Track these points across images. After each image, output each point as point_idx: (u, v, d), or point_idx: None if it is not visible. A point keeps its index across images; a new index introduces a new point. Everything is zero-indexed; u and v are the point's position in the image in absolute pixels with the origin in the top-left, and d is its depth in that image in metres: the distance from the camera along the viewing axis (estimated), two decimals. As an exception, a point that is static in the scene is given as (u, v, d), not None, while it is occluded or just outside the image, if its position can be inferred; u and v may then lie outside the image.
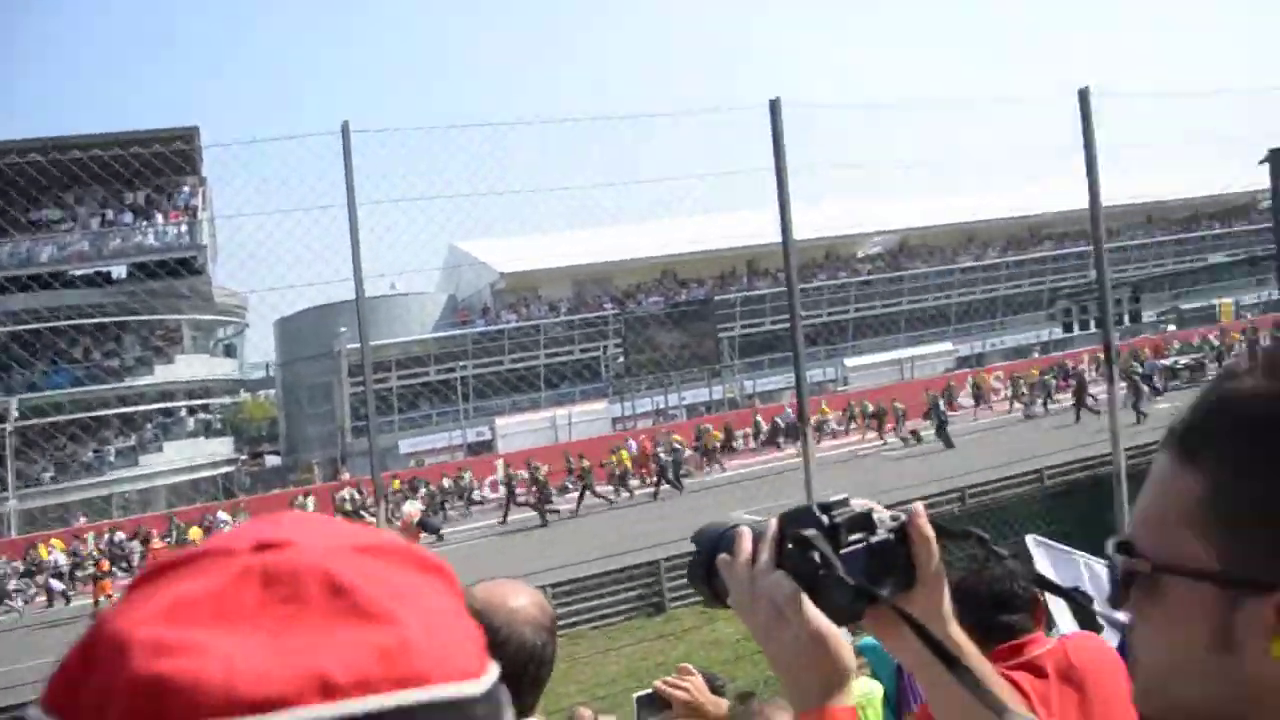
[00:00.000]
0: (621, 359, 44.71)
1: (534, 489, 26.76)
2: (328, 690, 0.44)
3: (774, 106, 8.47)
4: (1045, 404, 32.20)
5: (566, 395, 43.25)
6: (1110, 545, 0.79)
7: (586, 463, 27.70)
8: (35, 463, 36.44)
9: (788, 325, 10.67)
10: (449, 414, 41.47)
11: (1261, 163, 13.22)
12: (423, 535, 21.43)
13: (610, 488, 28.63)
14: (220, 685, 0.42)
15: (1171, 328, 46.94)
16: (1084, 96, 10.04)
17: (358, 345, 9.30)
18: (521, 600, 1.89)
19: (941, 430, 27.28)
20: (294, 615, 0.45)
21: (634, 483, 29.37)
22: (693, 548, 1.12)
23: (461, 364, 43.61)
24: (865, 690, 5.37)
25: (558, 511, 26.45)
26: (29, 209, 40.44)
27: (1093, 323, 39.64)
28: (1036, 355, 43.02)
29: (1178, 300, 51.33)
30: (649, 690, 2.89)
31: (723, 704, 2.89)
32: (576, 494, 27.56)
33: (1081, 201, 10.24)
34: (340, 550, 0.49)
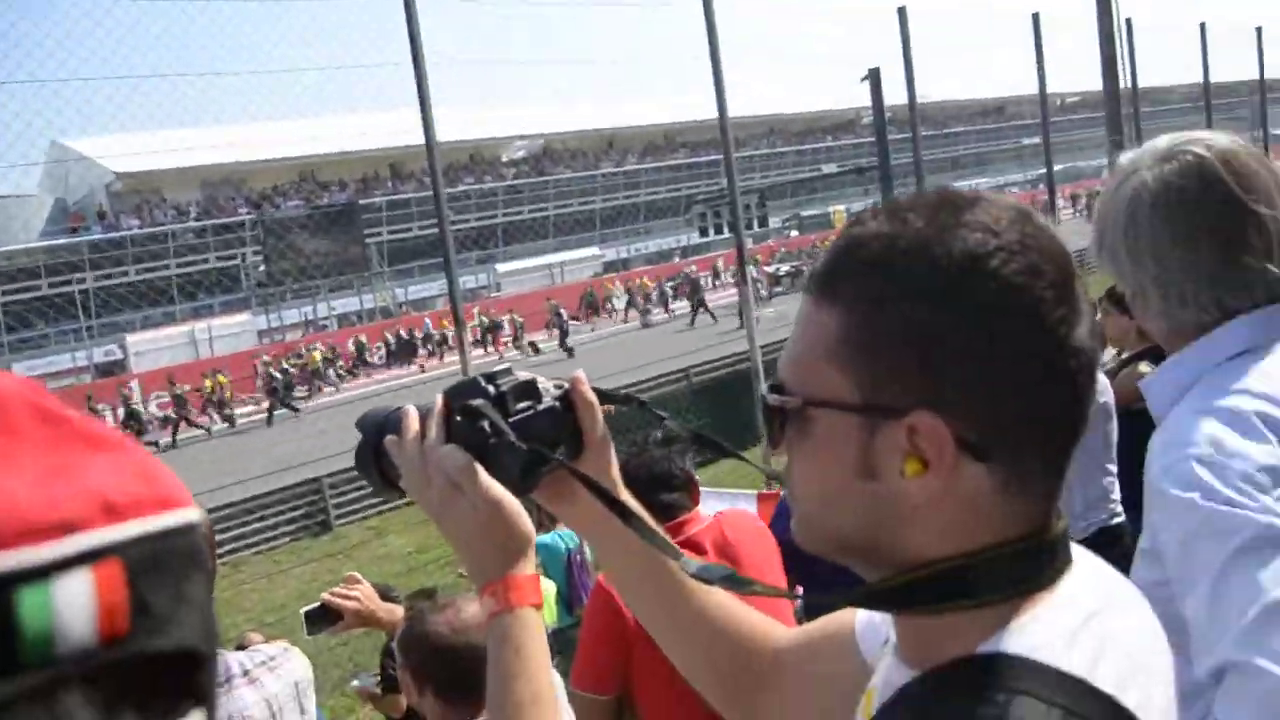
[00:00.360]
0: (263, 267, 43.62)
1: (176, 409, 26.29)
2: (111, 511, 0.43)
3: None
4: (666, 309, 35.19)
5: (204, 307, 41.88)
6: (764, 387, 0.87)
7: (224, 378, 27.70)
8: None
9: (435, 230, 11.14)
10: (70, 332, 38.68)
11: (862, 80, 14.35)
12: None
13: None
14: (8, 514, 0.40)
15: (795, 233, 52.73)
16: (708, 6, 10.60)
17: None
18: None
19: (563, 340, 29.35)
20: (22, 444, 0.42)
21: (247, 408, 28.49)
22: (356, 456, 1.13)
23: (79, 275, 40.82)
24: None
25: (208, 430, 26.01)
26: None
27: (726, 227, 44.20)
28: (678, 259, 46.87)
29: (799, 208, 57.48)
30: (317, 604, 2.83)
31: (395, 609, 2.91)
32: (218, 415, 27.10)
33: (710, 111, 10.86)
34: (24, 383, 0.46)
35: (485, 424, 1.00)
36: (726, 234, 14.98)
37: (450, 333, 34.59)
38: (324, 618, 2.80)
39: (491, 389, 1.03)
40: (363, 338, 36.25)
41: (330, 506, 13.51)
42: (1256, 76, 24.94)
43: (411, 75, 8.33)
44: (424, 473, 1.04)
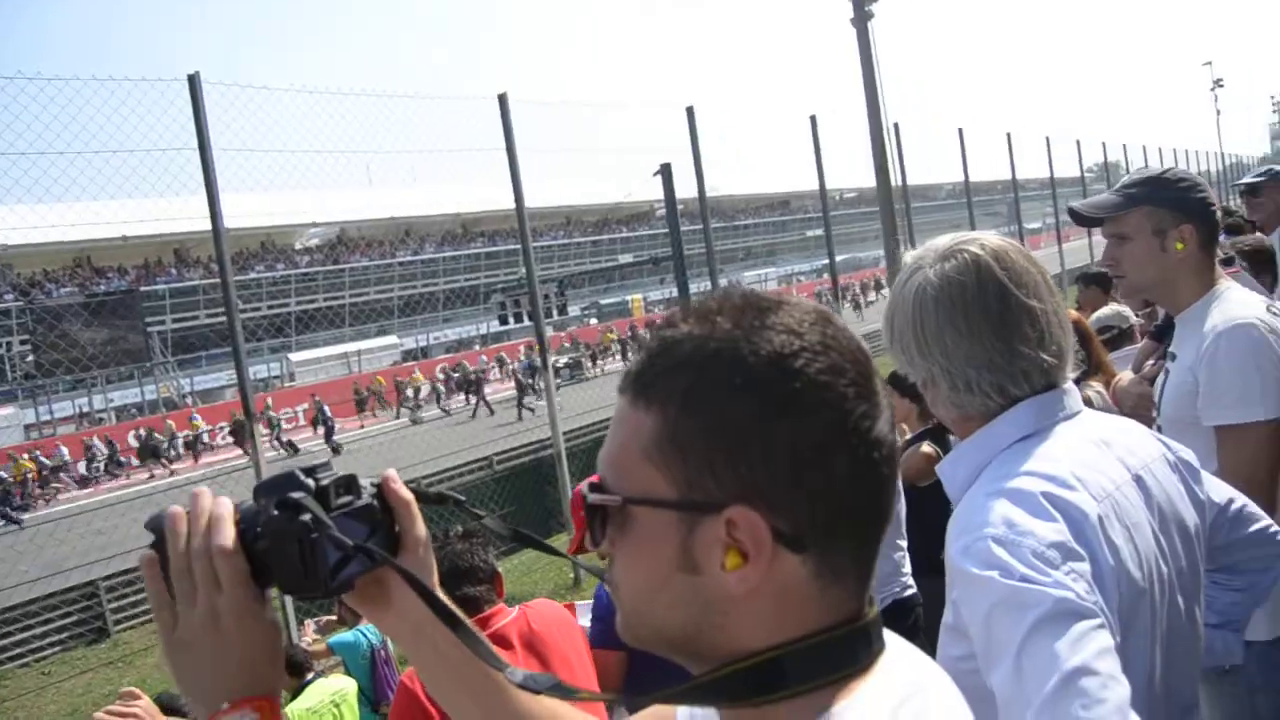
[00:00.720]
0: (31, 357, 40.80)
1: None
2: None
3: (193, 81, 8.24)
4: (439, 403, 34.14)
5: (-37, 403, 38.74)
6: (584, 486, 0.88)
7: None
8: None
9: (223, 319, 10.91)
10: None
11: (655, 174, 14.62)
12: None
13: None
14: None
15: (594, 321, 53.67)
16: (503, 102, 10.79)
17: None
18: None
19: (329, 437, 28.33)
20: None
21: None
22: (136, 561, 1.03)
23: None
24: (339, 687, 5.50)
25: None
26: None
27: (526, 316, 44.35)
28: (478, 347, 46.85)
29: (597, 296, 58.62)
30: None
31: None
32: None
33: (508, 201, 11.26)
34: None
35: (307, 516, 0.94)
36: (527, 322, 15.08)
37: (197, 434, 33.16)
38: None
39: (311, 482, 0.97)
40: (102, 438, 34.44)
41: (107, 611, 12.79)
42: (1009, 176, 27.39)
43: (198, 161, 8.25)
44: (191, 578, 0.95)
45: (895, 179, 18.04)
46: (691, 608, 0.85)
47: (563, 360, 35.44)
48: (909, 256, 1.69)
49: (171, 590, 0.96)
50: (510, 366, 38.01)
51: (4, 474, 27.73)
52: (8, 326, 41.90)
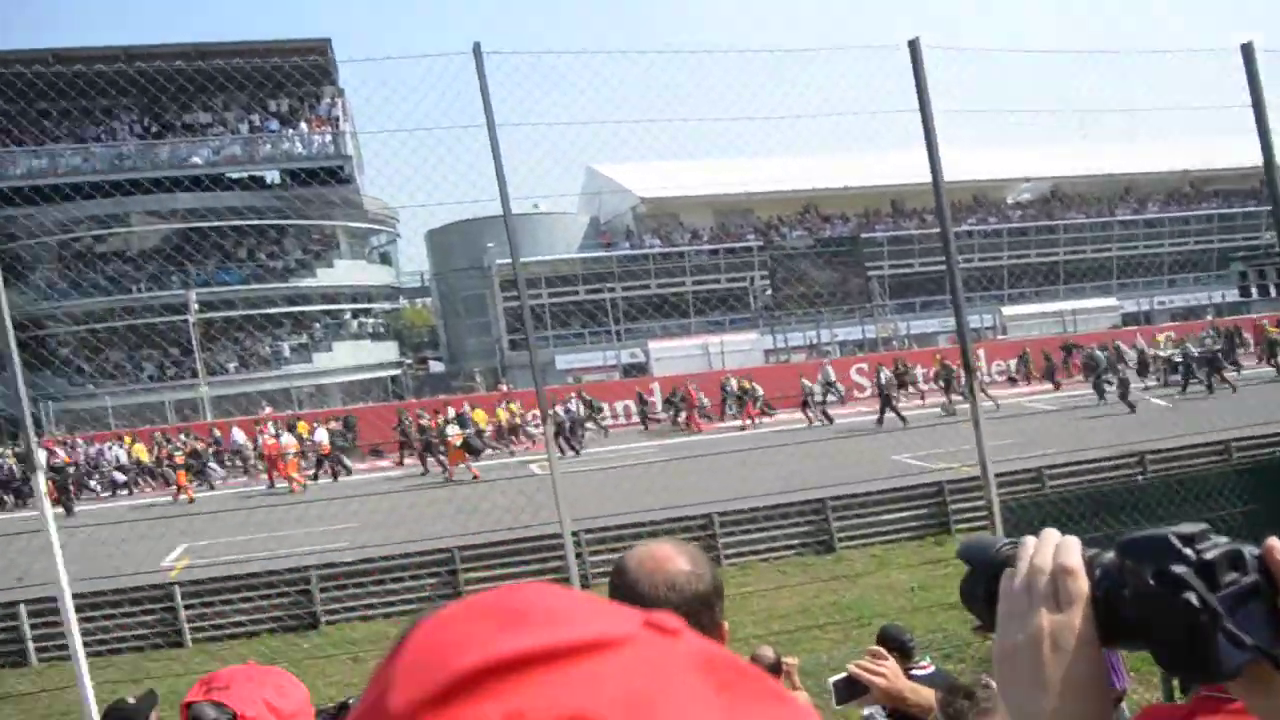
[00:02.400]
0: (769, 292, 46.05)
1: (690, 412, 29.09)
2: None
3: (913, 47, 8.48)
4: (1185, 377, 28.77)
5: (717, 323, 44.90)
6: None
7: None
8: (220, 354, 39.36)
9: (938, 267, 10.94)
10: (601, 334, 43.33)
11: None
12: (468, 457, 24.31)
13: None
14: None
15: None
16: (1248, 52, 9.99)
17: (507, 260, 10.06)
18: (679, 565, 1.79)
19: (1125, 390, 25.73)
20: (737, 701, 0.45)
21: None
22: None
23: (609, 285, 45.58)
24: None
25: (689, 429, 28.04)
26: (181, 113, 43.08)
27: (1273, 289, 39.64)
28: (1210, 317, 43.22)
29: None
30: (844, 674, 2.83)
31: (922, 691, 2.84)
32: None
33: (1248, 158, 10.23)
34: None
35: (1193, 598, 0.84)
36: (1273, 295, 13.08)
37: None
38: (851, 689, 2.80)
39: (1191, 553, 0.86)
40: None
41: (834, 528, 13.86)
42: None
43: (917, 120, 8.57)
44: (1029, 594, 0.94)
45: None
46: None
47: (1195, 351, 29.52)
48: None
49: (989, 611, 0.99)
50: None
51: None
52: (749, 262, 47.60)
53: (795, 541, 13.95)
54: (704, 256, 48.79)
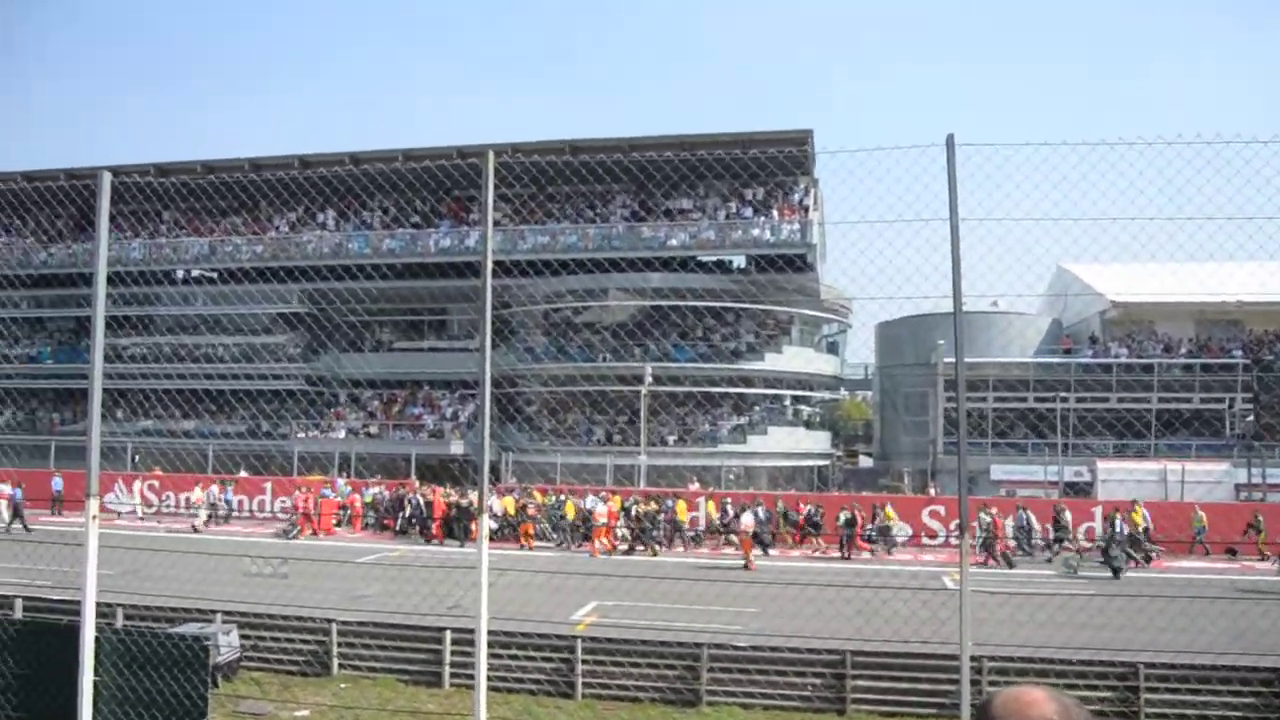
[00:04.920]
0: (1251, 418, 41.95)
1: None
2: None
3: None
4: None
5: (1181, 448, 41.53)
6: None
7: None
8: (661, 427, 43.16)
9: None
10: (1045, 446, 41.78)
11: None
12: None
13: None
14: None
15: None
16: None
17: (954, 360, 9.77)
18: (1044, 712, 1.76)
19: None
20: None
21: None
22: None
23: (1062, 395, 43.87)
24: None
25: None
26: (665, 199, 47.70)
27: None
28: None
29: None
30: None
31: None
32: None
33: None
34: None
35: None
36: None
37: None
38: None
39: None
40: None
41: None
42: None
43: None
44: None
45: None
46: None
47: None
48: None
49: None
50: None
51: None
52: (1231, 382, 43.60)
53: (1237, 714, 12.00)
54: (1177, 371, 45.39)
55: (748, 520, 27.93)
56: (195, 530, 33.68)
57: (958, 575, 9.33)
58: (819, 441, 48.81)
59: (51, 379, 54.03)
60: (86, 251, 52.15)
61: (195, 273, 53.22)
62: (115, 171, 9.41)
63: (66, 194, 49.79)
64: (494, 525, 30.35)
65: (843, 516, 29.67)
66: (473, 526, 29.31)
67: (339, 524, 34.70)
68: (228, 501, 37.74)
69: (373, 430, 48.25)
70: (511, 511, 32.05)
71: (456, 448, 45.50)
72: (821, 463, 47.27)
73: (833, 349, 53.16)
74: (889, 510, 31.26)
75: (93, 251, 8.62)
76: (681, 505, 31.31)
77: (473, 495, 32.02)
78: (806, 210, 47.28)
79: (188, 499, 37.46)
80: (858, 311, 48.01)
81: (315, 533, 33.13)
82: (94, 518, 8.31)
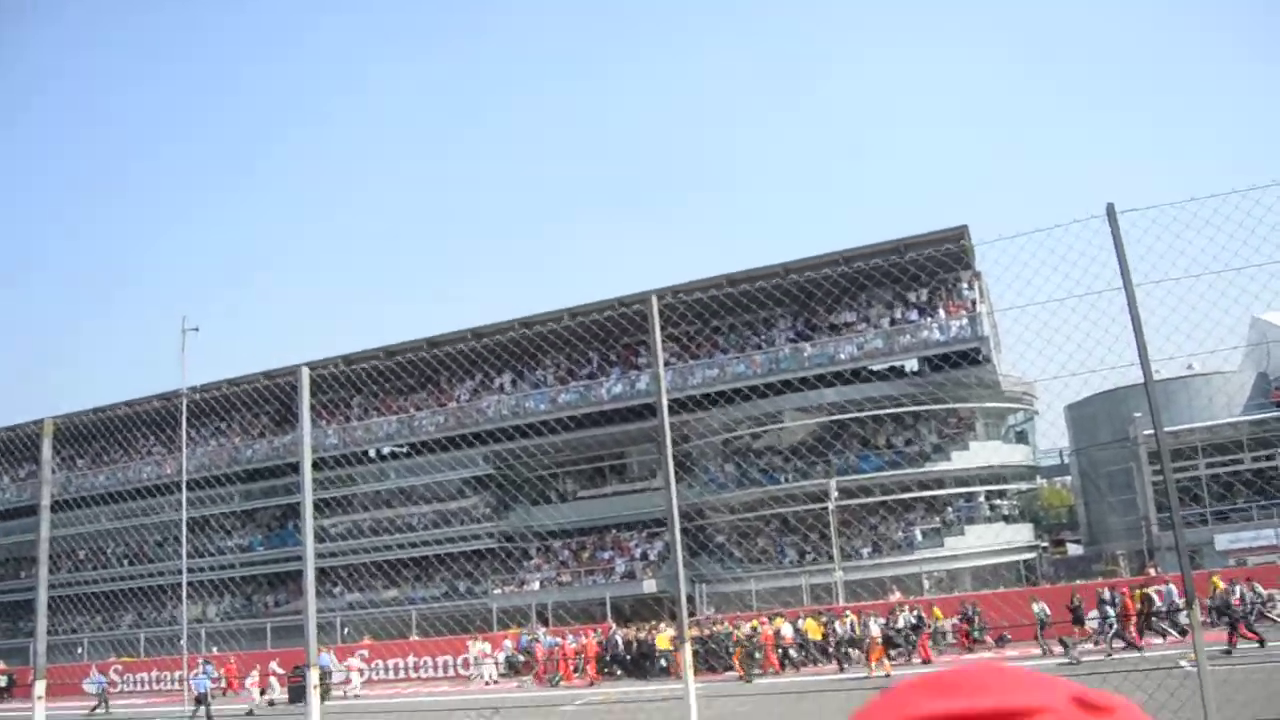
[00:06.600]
0: None
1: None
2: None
3: None
4: None
5: None
6: None
7: None
8: (854, 539, 42.88)
9: None
10: (1272, 507, 39.59)
11: None
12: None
13: None
14: None
15: None
16: None
17: (1153, 430, 9.33)
18: None
19: None
20: None
21: None
22: None
23: (1280, 451, 41.56)
24: None
25: None
26: (828, 315, 48.32)
27: None
28: None
29: None
30: None
31: None
32: None
33: None
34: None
35: None
36: None
37: None
38: None
39: None
40: None
41: None
42: None
43: None
44: None
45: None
46: None
47: None
48: None
49: None
50: None
51: None
52: None
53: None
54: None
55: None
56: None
57: (1193, 656, 9.20)
58: (1021, 534, 47.36)
59: (264, 564, 57.47)
60: (285, 445, 56.16)
61: (386, 450, 56.48)
62: (310, 366, 10.47)
63: (263, 394, 53.93)
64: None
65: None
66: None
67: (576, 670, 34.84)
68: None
69: (563, 579, 49.42)
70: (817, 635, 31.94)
71: (649, 586, 46.11)
72: (1027, 556, 45.79)
73: (1022, 438, 51.89)
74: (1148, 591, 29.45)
75: (297, 440, 9.79)
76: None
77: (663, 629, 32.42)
78: (974, 304, 46.98)
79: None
80: (1043, 394, 46.92)
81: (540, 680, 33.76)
82: (315, 687, 9.21)
